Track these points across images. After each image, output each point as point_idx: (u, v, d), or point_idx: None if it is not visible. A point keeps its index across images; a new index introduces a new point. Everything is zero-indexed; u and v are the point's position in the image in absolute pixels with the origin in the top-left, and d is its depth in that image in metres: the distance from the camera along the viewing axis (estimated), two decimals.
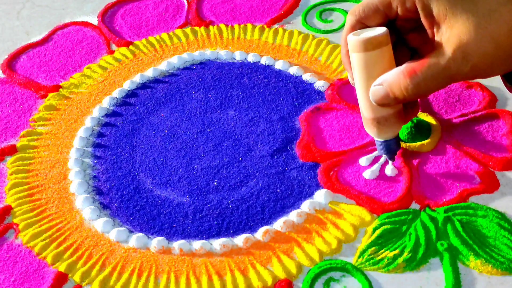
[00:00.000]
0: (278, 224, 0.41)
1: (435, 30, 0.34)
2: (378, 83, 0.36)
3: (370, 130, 0.39)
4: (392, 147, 0.39)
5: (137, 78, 0.54)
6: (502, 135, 0.45)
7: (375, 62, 0.36)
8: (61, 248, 0.42)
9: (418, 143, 0.45)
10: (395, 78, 0.35)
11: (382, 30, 0.35)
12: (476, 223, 0.40)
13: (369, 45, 0.35)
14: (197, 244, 0.41)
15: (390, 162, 0.44)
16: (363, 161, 0.44)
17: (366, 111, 0.38)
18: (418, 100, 0.40)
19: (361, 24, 0.37)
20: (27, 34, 0.61)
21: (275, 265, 0.39)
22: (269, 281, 0.38)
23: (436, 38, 0.34)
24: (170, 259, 0.40)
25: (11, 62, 0.57)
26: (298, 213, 0.42)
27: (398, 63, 0.37)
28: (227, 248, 0.41)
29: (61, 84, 0.54)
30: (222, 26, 0.59)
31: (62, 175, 0.47)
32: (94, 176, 0.46)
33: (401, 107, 0.38)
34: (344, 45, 0.38)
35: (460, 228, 0.40)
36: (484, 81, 0.49)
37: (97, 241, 0.42)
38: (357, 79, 0.37)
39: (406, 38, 0.38)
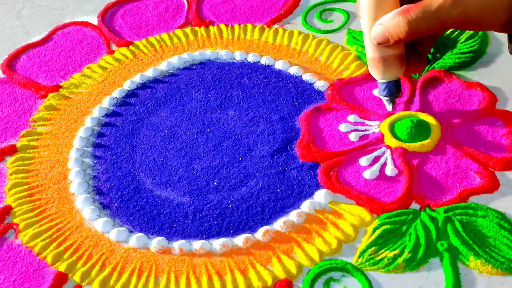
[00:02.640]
0: (278, 224, 0.41)
1: None
2: (379, 23, 0.40)
3: (373, 70, 0.42)
4: (392, 89, 0.42)
5: (137, 78, 0.54)
6: (502, 135, 0.45)
7: (379, 5, 0.40)
8: (61, 248, 0.42)
9: (418, 143, 0.45)
10: (391, 17, 0.39)
11: None
12: (476, 223, 0.40)
13: None
14: (197, 244, 0.41)
15: (390, 163, 0.44)
16: (363, 161, 0.45)
17: (369, 51, 0.42)
18: (426, 56, 0.44)
19: None
20: (27, 34, 0.61)
21: (275, 265, 0.39)
22: (269, 281, 0.38)
23: None
24: (170, 259, 0.40)
25: (11, 62, 0.57)
26: (298, 213, 0.42)
27: None
28: (227, 248, 0.41)
29: (61, 84, 0.54)
30: (222, 26, 0.59)
31: (62, 175, 0.47)
32: (94, 176, 0.46)
33: (402, 51, 0.41)
34: None
35: (460, 228, 0.40)
36: (484, 81, 0.49)
37: (97, 241, 0.42)
38: (363, 21, 0.42)
39: None
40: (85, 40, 0.59)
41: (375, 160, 0.45)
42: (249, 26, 0.58)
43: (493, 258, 0.38)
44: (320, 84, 0.51)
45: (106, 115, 0.51)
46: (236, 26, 0.58)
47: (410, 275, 0.38)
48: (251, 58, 0.55)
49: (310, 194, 0.43)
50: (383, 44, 0.40)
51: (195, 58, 0.56)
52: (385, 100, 0.43)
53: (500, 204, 0.41)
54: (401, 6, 0.41)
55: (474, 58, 0.52)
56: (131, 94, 0.53)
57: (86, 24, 0.61)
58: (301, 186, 0.44)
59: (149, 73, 0.54)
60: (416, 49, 0.44)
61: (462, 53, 0.52)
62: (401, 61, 0.41)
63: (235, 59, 0.55)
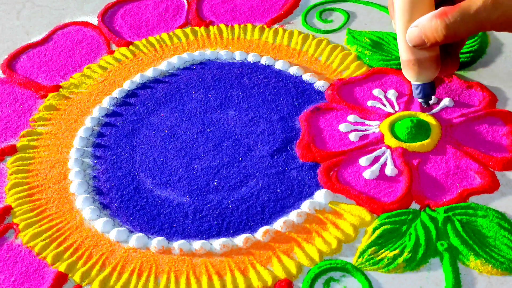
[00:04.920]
0: (278, 224, 0.41)
1: None
2: (414, 25, 0.39)
3: (407, 73, 0.42)
4: (427, 91, 0.42)
5: (137, 78, 0.54)
6: (502, 135, 0.45)
7: (415, 6, 0.40)
8: (61, 248, 0.42)
9: (418, 143, 0.45)
10: (428, 20, 0.38)
11: None
12: (476, 223, 0.40)
13: None
14: (197, 244, 0.41)
15: (390, 163, 0.44)
16: (363, 161, 0.45)
17: (404, 54, 0.42)
18: (458, 56, 0.43)
19: None
20: (27, 34, 0.61)
21: (275, 265, 0.39)
22: (269, 281, 0.38)
23: None
24: (170, 259, 0.40)
25: (11, 62, 0.57)
26: (298, 213, 0.42)
27: None
28: (227, 248, 0.41)
29: (61, 84, 0.54)
30: (222, 26, 0.59)
31: (62, 175, 0.47)
32: (94, 176, 0.46)
33: (437, 52, 0.41)
34: None
35: (460, 228, 0.40)
36: (484, 81, 0.49)
37: (97, 241, 0.42)
38: (397, 23, 0.41)
39: None
40: (85, 40, 0.59)
41: (375, 160, 0.45)
42: (249, 26, 0.58)
43: (493, 258, 0.38)
44: (320, 84, 0.51)
45: (106, 115, 0.51)
46: (236, 26, 0.58)
47: (410, 275, 0.38)
48: (251, 58, 0.55)
49: (310, 194, 0.43)
50: (418, 46, 0.40)
51: (195, 58, 0.56)
52: (420, 101, 0.43)
53: (500, 204, 0.41)
54: (436, 7, 0.40)
55: (474, 58, 0.52)
56: (131, 94, 0.53)
57: (86, 24, 0.61)
58: (301, 186, 0.44)
59: (149, 73, 0.54)
60: (448, 49, 0.43)
61: (462, 53, 0.52)
62: (436, 63, 0.41)
63: (235, 59, 0.55)
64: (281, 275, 0.39)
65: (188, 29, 0.59)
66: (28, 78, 0.55)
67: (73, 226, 0.43)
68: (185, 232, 0.42)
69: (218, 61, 0.55)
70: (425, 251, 0.39)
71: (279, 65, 0.54)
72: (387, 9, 0.58)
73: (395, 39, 0.54)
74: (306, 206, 0.42)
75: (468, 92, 0.49)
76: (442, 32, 0.38)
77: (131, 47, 0.57)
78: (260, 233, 0.41)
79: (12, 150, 0.49)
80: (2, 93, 0.54)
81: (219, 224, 0.42)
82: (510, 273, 0.37)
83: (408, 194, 0.42)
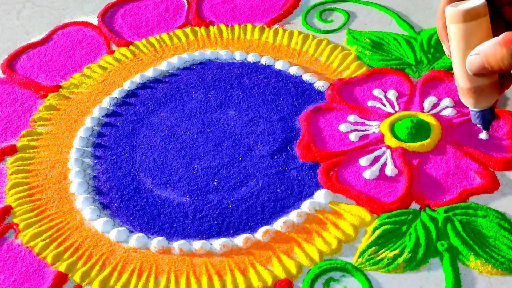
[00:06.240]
0: (278, 224, 0.41)
1: None
2: (475, 53, 0.37)
3: (466, 100, 0.40)
4: (487, 117, 0.40)
5: (137, 78, 0.54)
6: (502, 135, 0.45)
7: (473, 32, 0.38)
8: (61, 248, 0.42)
9: (418, 143, 0.45)
10: (491, 48, 0.36)
11: (480, 1, 0.37)
12: (476, 223, 0.40)
13: (468, 16, 0.37)
14: (197, 244, 0.41)
15: (390, 163, 0.44)
16: (363, 161, 0.45)
17: (462, 81, 0.40)
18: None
19: None
20: (27, 34, 0.61)
21: (275, 265, 0.39)
22: (269, 281, 0.38)
23: None
24: (170, 259, 0.40)
25: (11, 62, 0.57)
26: (298, 213, 0.42)
27: (494, 34, 0.38)
28: (227, 248, 0.41)
29: (61, 84, 0.54)
30: (222, 26, 0.59)
31: (62, 175, 0.47)
32: (94, 176, 0.46)
33: (497, 77, 0.39)
34: (441, 18, 0.39)
35: (460, 228, 0.40)
36: None
37: (97, 241, 0.42)
38: (454, 49, 0.39)
39: (501, 10, 0.39)
40: (85, 40, 0.59)
41: (375, 160, 0.45)
42: (249, 26, 0.58)
43: (493, 258, 0.38)
44: (320, 84, 0.51)
45: (106, 115, 0.51)
46: (236, 26, 0.58)
47: (410, 275, 0.38)
48: (251, 58, 0.55)
49: (310, 194, 0.43)
50: (480, 75, 0.38)
51: (195, 58, 0.56)
52: (479, 126, 0.42)
53: (500, 204, 0.41)
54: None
55: None
56: (131, 94, 0.53)
57: (86, 24, 0.61)
58: (301, 186, 0.44)
59: (149, 73, 0.54)
60: None
61: None
62: (496, 88, 0.40)
63: (235, 59, 0.55)
64: (281, 275, 0.39)
65: (188, 29, 0.59)
66: (28, 78, 0.55)
67: (73, 226, 0.43)
68: (185, 232, 0.42)
69: (218, 61, 0.55)
70: (425, 251, 0.39)
71: (279, 65, 0.54)
72: (387, 9, 0.58)
73: (395, 39, 0.54)
74: (306, 206, 0.42)
75: None
76: (509, 61, 0.36)
77: (131, 47, 0.57)
78: (260, 233, 0.41)
79: (12, 150, 0.49)
80: (2, 93, 0.54)
81: (219, 224, 0.42)
82: (510, 273, 0.37)
83: (408, 194, 0.42)
